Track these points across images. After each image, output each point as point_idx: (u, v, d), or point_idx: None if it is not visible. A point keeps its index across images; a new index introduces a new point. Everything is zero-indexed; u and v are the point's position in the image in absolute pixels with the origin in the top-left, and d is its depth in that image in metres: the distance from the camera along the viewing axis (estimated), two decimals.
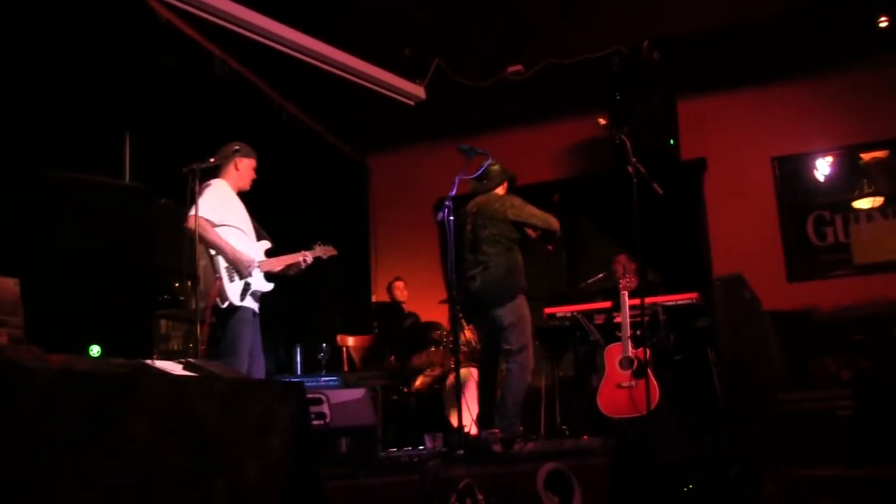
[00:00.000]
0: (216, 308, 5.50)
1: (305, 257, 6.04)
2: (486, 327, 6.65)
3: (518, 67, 8.65)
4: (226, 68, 7.56)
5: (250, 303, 5.73)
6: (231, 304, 5.58)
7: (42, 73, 5.68)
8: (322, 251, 6.28)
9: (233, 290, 5.59)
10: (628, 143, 6.02)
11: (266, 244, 5.99)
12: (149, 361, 2.96)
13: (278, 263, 5.93)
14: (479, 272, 6.45)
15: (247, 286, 5.66)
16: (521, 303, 6.45)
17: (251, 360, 5.73)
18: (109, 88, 6.23)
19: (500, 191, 6.65)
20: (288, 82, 8.41)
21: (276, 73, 8.14)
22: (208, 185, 5.74)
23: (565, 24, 7.93)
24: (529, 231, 6.59)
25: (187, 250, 5.56)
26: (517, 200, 6.56)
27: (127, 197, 3.55)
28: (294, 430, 3.01)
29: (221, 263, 5.58)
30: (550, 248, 6.86)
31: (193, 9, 6.30)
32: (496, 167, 6.61)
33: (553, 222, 6.60)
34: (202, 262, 5.63)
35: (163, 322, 6.72)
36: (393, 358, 8.46)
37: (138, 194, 3.57)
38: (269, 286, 5.88)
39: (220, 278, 5.55)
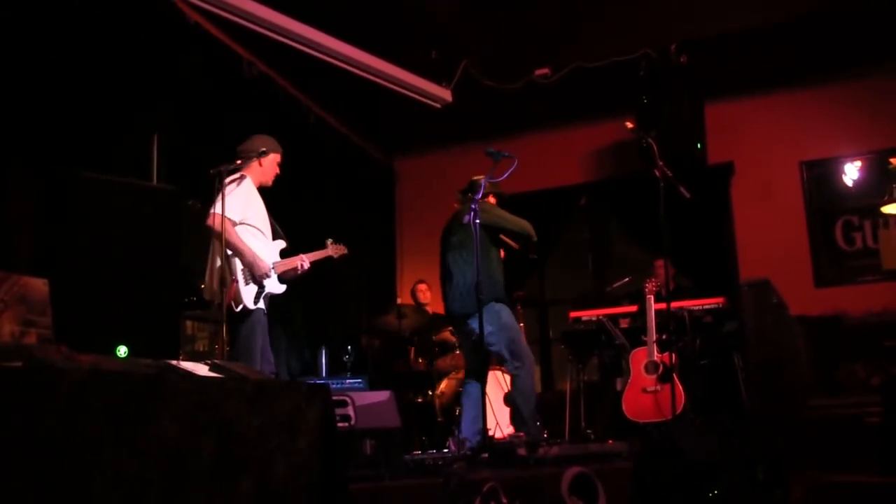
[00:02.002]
0: (230, 310, 5.47)
1: (302, 262, 5.98)
2: (465, 339, 6.49)
3: (545, 70, 8.65)
4: (254, 70, 7.60)
5: (261, 304, 5.72)
6: (245, 308, 5.57)
7: (71, 75, 5.72)
8: (334, 250, 6.28)
9: (248, 293, 5.58)
10: (655, 147, 6.00)
11: (281, 244, 5.95)
12: (175, 362, 2.97)
13: (282, 266, 5.91)
14: (451, 282, 6.38)
15: (261, 289, 5.66)
16: (497, 311, 6.19)
17: (261, 360, 5.74)
18: (138, 89, 6.27)
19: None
20: (315, 85, 8.43)
21: (304, 76, 8.16)
22: (233, 181, 5.70)
23: (593, 27, 7.92)
24: (509, 241, 6.46)
25: (211, 250, 5.59)
26: (487, 205, 6.36)
27: (156, 198, 3.56)
28: (320, 431, 3.02)
29: (238, 266, 5.56)
30: (532, 256, 6.69)
31: (222, 11, 6.34)
32: (482, 180, 6.51)
33: (526, 226, 6.37)
34: (217, 263, 5.61)
35: (189, 323, 6.75)
36: (420, 361, 8.47)
37: (167, 196, 3.58)
38: (282, 288, 5.87)
39: (236, 281, 5.52)
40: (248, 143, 5.86)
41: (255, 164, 5.85)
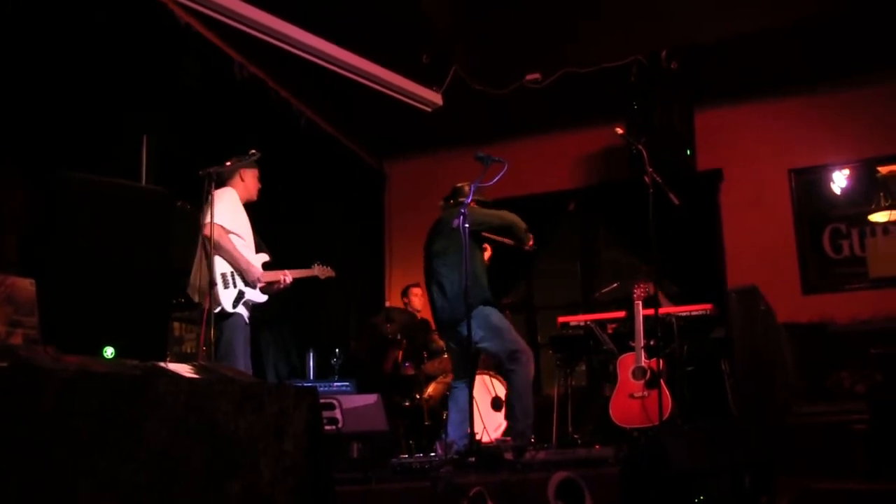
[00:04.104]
0: (210, 315, 5.46)
1: (285, 277, 6.01)
2: (455, 345, 6.47)
3: (536, 75, 8.66)
4: (245, 72, 7.59)
5: (242, 310, 5.74)
6: (223, 310, 5.58)
7: (60, 75, 5.70)
8: (320, 271, 6.37)
9: (226, 296, 5.60)
10: (645, 153, 6.01)
11: (264, 257, 6.00)
12: (162, 364, 2.97)
13: (266, 278, 5.93)
14: (437, 290, 6.37)
15: (240, 294, 5.69)
16: (486, 314, 6.19)
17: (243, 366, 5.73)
18: (128, 90, 6.26)
19: None
20: (306, 87, 8.43)
21: (295, 78, 8.16)
22: (221, 191, 5.74)
23: (583, 33, 7.93)
24: (502, 239, 6.44)
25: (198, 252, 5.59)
26: (469, 208, 6.19)
27: (145, 199, 3.56)
28: (307, 434, 3.02)
29: (217, 270, 5.56)
30: (531, 245, 6.63)
31: (213, 13, 6.33)
32: (466, 187, 6.47)
33: (509, 217, 6.37)
34: (201, 273, 5.60)
35: (176, 324, 6.74)
36: (407, 365, 8.46)
37: (157, 197, 3.57)
38: (263, 297, 5.90)
39: (214, 284, 5.51)
40: (241, 156, 5.88)
41: (237, 179, 5.94)
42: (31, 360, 2.37)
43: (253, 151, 5.78)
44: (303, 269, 6.24)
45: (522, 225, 6.42)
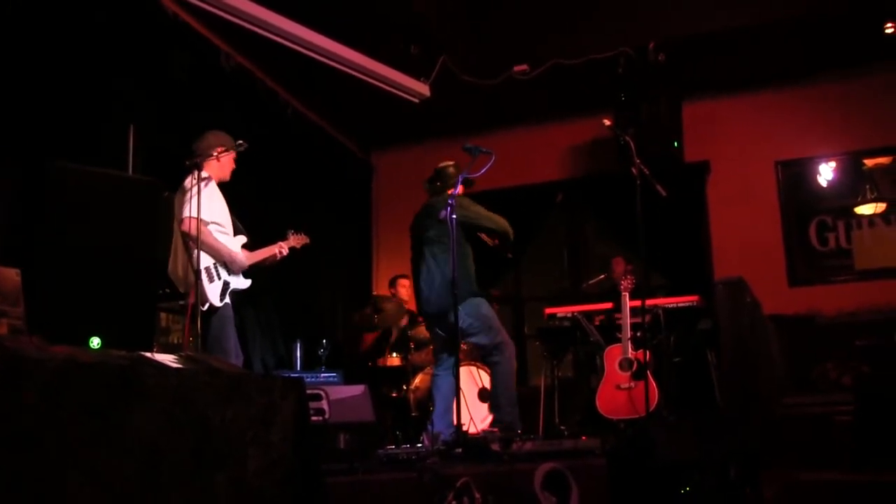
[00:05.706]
0: (195, 309, 5.37)
1: (281, 249, 6.03)
2: (441, 335, 6.45)
3: (524, 67, 8.64)
4: (231, 62, 7.56)
5: (227, 299, 5.68)
6: (212, 306, 5.51)
7: (46, 64, 5.66)
8: (295, 240, 6.24)
9: (212, 290, 5.53)
10: (633, 145, 6.01)
11: (242, 239, 5.91)
12: (148, 354, 2.95)
13: (256, 257, 5.89)
14: (426, 278, 6.34)
15: (226, 285, 5.63)
16: (477, 304, 6.21)
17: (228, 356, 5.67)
18: (115, 79, 6.22)
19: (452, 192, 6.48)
20: (294, 78, 8.41)
21: (282, 69, 8.14)
22: (196, 181, 5.62)
23: (572, 24, 7.93)
24: (486, 238, 6.44)
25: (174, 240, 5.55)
26: (465, 201, 6.24)
27: (134, 190, 3.54)
28: (294, 424, 3.02)
29: (201, 265, 5.40)
30: (509, 255, 6.64)
31: (200, 2, 6.30)
32: (451, 168, 6.48)
33: (504, 224, 6.35)
34: (180, 261, 5.55)
35: (163, 315, 6.72)
36: (394, 355, 8.46)
37: (146, 187, 3.55)
38: (247, 283, 5.84)
39: (199, 280, 5.38)
40: (203, 140, 5.78)
41: (213, 161, 5.75)
42: (17, 350, 2.35)
43: (241, 142, 5.75)
44: (280, 242, 6.13)
45: (512, 235, 6.41)
